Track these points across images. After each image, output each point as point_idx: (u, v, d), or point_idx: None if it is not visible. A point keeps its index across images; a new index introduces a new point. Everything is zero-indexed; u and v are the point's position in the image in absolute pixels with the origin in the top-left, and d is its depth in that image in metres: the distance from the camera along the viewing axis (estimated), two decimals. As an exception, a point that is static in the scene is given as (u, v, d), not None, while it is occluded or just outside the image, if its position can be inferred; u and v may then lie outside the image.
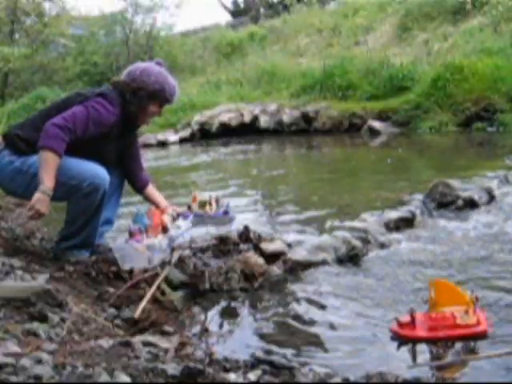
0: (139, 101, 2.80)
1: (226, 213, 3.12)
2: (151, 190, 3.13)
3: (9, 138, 2.73)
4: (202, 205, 3.10)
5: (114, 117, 2.72)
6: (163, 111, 2.97)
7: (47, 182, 2.50)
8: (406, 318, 2.18)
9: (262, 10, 21.43)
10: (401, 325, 2.18)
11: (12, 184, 2.72)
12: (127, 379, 1.42)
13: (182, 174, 6.91)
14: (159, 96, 2.83)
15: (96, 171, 2.65)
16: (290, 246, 3.14)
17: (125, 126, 2.85)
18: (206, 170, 7.36)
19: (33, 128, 2.68)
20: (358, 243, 3.20)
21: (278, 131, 10.58)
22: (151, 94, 2.81)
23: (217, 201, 3.12)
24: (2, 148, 2.72)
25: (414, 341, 2.13)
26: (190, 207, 3.11)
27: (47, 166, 2.50)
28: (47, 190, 2.50)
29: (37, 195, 2.49)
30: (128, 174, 3.08)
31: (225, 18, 33.96)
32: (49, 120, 2.59)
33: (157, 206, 3.08)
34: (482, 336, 2.10)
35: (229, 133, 10.83)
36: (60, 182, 2.57)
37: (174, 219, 3.00)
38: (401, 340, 2.16)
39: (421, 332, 2.15)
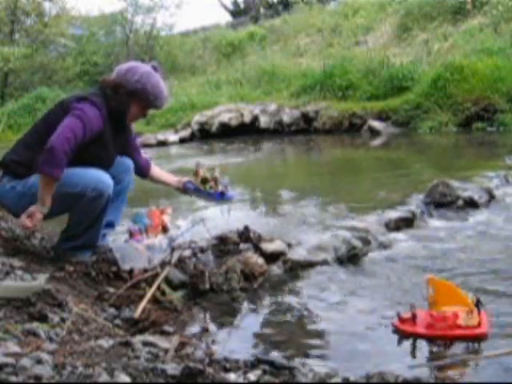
0: (119, 97, 2.76)
1: (222, 194, 3.09)
2: (154, 172, 3.15)
3: (5, 164, 2.73)
4: (204, 181, 3.08)
5: (102, 118, 2.69)
6: (147, 113, 2.92)
7: (47, 204, 2.52)
8: (407, 314, 2.20)
9: (262, 10, 21.43)
10: (402, 320, 2.20)
11: (18, 208, 2.70)
12: (127, 379, 1.42)
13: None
14: (139, 96, 2.77)
15: (99, 177, 2.64)
16: (290, 245, 3.14)
17: (115, 125, 2.81)
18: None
19: (26, 148, 2.69)
20: (358, 243, 3.20)
21: (278, 131, 10.58)
22: (131, 93, 2.75)
23: (215, 180, 3.08)
24: (2, 176, 2.73)
25: (413, 337, 2.15)
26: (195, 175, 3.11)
27: (49, 190, 2.52)
28: (44, 209, 2.53)
29: (36, 207, 2.51)
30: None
31: (225, 18, 33.94)
32: (39, 136, 2.60)
33: (167, 184, 3.15)
34: (481, 338, 2.10)
35: (229, 133, 10.84)
36: (66, 194, 2.58)
37: (180, 189, 3.11)
38: (400, 334, 2.18)
39: (420, 328, 2.16)
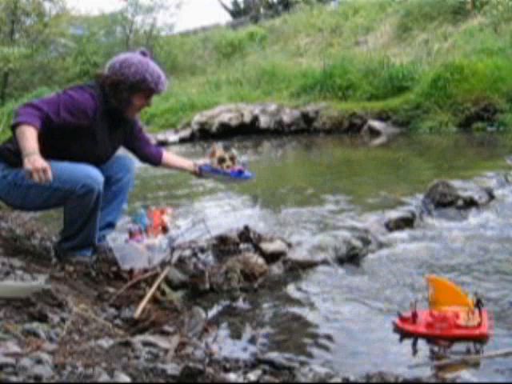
0: (120, 94, 2.74)
1: (240, 172, 3.06)
2: (166, 158, 3.13)
3: (1, 152, 2.74)
4: (221, 161, 3.05)
5: (90, 103, 2.67)
6: (151, 102, 2.88)
7: (29, 147, 2.41)
8: (407, 313, 2.21)
9: (262, 9, 21.41)
10: (402, 319, 2.21)
11: (9, 197, 2.74)
12: (127, 379, 1.42)
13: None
14: (141, 87, 2.75)
15: (88, 173, 2.63)
16: (290, 245, 3.14)
17: (110, 120, 2.79)
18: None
19: None
20: (358, 243, 3.20)
21: (278, 131, 10.58)
22: (132, 86, 2.73)
23: (232, 158, 3.06)
24: None
25: (414, 336, 2.15)
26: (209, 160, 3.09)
27: (25, 135, 2.43)
28: (32, 151, 2.41)
29: (26, 160, 2.39)
30: (140, 156, 3.10)
31: (225, 18, 33.94)
32: None
33: (182, 168, 3.14)
34: (480, 339, 2.09)
35: (229, 133, 10.83)
36: (54, 188, 2.58)
37: (196, 173, 3.08)
38: (400, 334, 2.18)
39: (420, 328, 2.17)
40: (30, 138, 2.43)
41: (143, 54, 2.83)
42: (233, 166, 3.04)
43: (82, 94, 2.69)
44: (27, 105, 2.57)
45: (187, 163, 3.15)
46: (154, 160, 3.11)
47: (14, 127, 2.50)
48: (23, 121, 2.47)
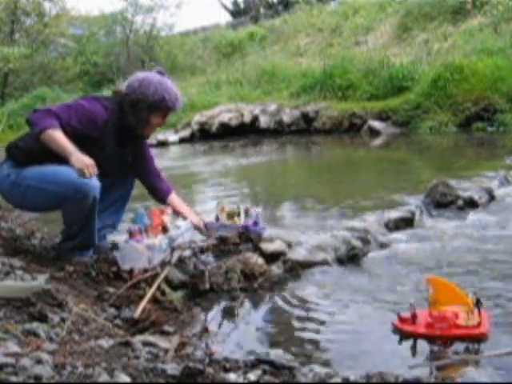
0: (139, 113, 2.78)
1: (255, 224, 3.04)
2: (173, 200, 3.08)
3: (10, 149, 2.77)
4: (231, 216, 3.04)
5: (101, 114, 2.70)
6: (167, 120, 2.92)
7: (68, 147, 2.54)
8: (407, 314, 2.21)
9: (262, 9, 21.40)
10: (401, 320, 2.20)
11: (10, 195, 2.78)
12: (127, 379, 1.42)
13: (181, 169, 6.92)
14: (160, 106, 2.79)
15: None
16: (290, 245, 3.14)
17: (122, 135, 2.82)
18: (209, 179, 7.35)
19: (33, 138, 2.70)
20: (358, 243, 3.20)
21: (278, 131, 10.58)
22: (151, 105, 2.77)
23: (246, 211, 3.05)
24: (4, 160, 2.77)
25: (413, 337, 2.14)
26: (218, 218, 3.07)
27: (55, 138, 2.54)
28: (72, 150, 2.54)
29: (72, 159, 2.52)
30: (146, 186, 3.10)
31: (225, 18, 33.97)
32: None
33: (182, 216, 3.04)
34: (480, 339, 2.09)
35: (229, 133, 10.84)
36: (51, 192, 2.60)
37: (200, 229, 3.02)
38: (400, 334, 2.18)
39: (419, 328, 2.16)
40: (61, 139, 2.55)
41: (160, 73, 2.86)
42: (246, 219, 3.03)
43: (94, 104, 2.72)
44: (40, 111, 2.62)
45: (193, 216, 3.07)
46: (160, 196, 3.08)
47: (38, 135, 2.56)
48: (46, 126, 2.54)
